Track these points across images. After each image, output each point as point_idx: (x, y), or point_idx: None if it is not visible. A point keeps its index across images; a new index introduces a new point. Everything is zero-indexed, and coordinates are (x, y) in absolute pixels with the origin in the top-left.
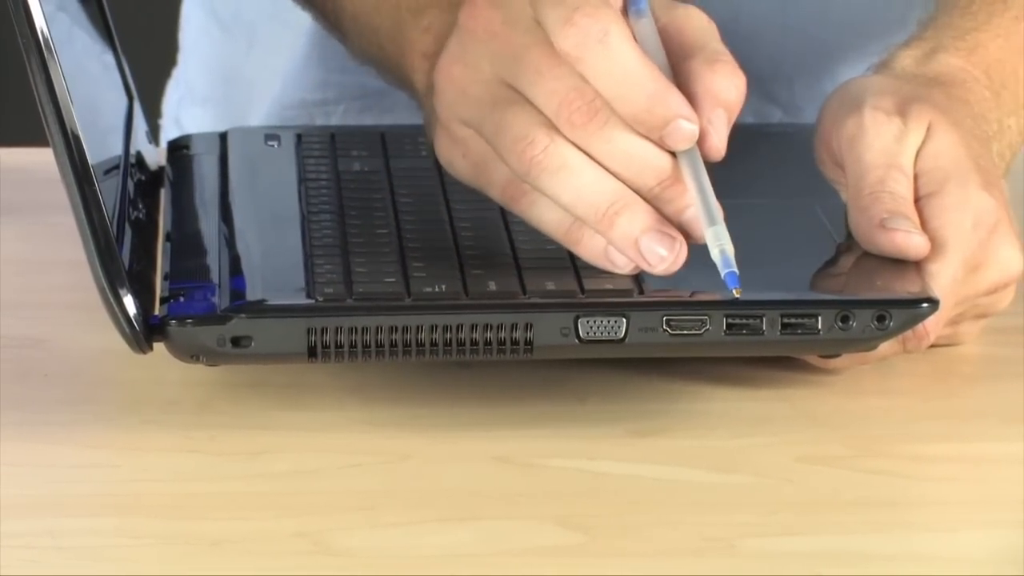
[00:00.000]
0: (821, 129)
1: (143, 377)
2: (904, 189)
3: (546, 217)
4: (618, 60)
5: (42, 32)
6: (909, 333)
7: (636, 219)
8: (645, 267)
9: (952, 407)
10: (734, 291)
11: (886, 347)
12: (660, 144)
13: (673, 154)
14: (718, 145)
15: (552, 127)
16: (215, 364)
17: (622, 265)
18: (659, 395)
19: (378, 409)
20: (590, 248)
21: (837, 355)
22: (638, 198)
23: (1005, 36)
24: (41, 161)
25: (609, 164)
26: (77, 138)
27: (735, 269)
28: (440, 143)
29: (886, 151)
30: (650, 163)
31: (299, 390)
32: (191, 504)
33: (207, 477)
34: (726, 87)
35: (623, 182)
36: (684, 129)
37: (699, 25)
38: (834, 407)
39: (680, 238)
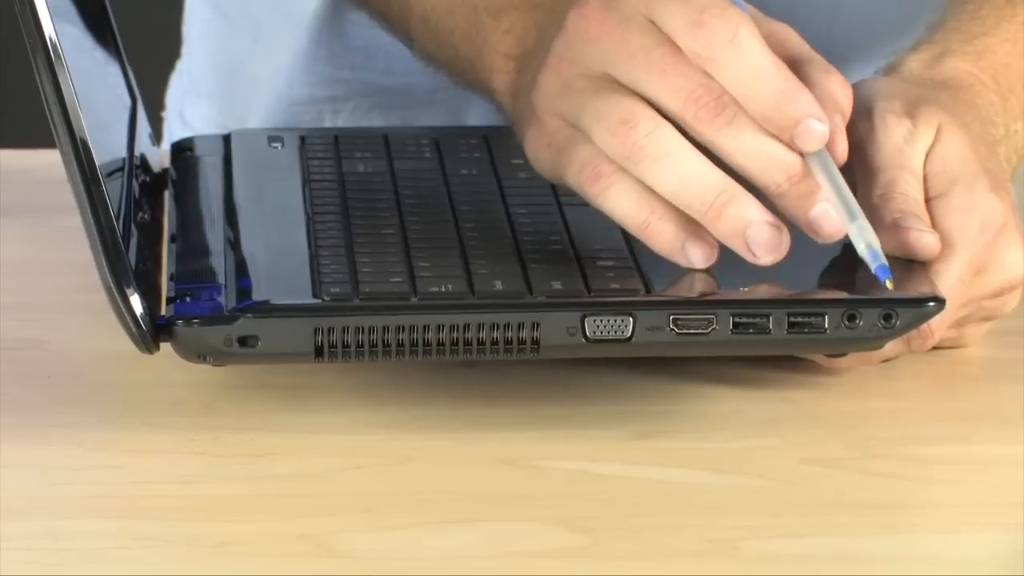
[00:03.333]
0: None
1: (146, 379)
2: (915, 191)
3: (621, 205)
4: (749, 59)
5: (50, 38)
6: (914, 333)
7: (745, 210)
8: (749, 257)
9: (955, 409)
10: (887, 282)
11: (891, 347)
12: (790, 144)
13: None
14: (844, 147)
15: (656, 114)
16: (222, 364)
17: (697, 260)
18: (663, 397)
19: (381, 411)
20: (667, 240)
21: (843, 354)
22: (743, 189)
23: (1013, 41)
24: (42, 163)
25: (737, 159)
26: (84, 140)
27: (885, 262)
28: (530, 137)
29: (896, 153)
30: (779, 160)
31: (302, 392)
32: (194, 506)
33: (210, 479)
34: (843, 94)
35: (750, 178)
36: (815, 129)
37: (799, 39)
38: (837, 409)
39: (785, 228)
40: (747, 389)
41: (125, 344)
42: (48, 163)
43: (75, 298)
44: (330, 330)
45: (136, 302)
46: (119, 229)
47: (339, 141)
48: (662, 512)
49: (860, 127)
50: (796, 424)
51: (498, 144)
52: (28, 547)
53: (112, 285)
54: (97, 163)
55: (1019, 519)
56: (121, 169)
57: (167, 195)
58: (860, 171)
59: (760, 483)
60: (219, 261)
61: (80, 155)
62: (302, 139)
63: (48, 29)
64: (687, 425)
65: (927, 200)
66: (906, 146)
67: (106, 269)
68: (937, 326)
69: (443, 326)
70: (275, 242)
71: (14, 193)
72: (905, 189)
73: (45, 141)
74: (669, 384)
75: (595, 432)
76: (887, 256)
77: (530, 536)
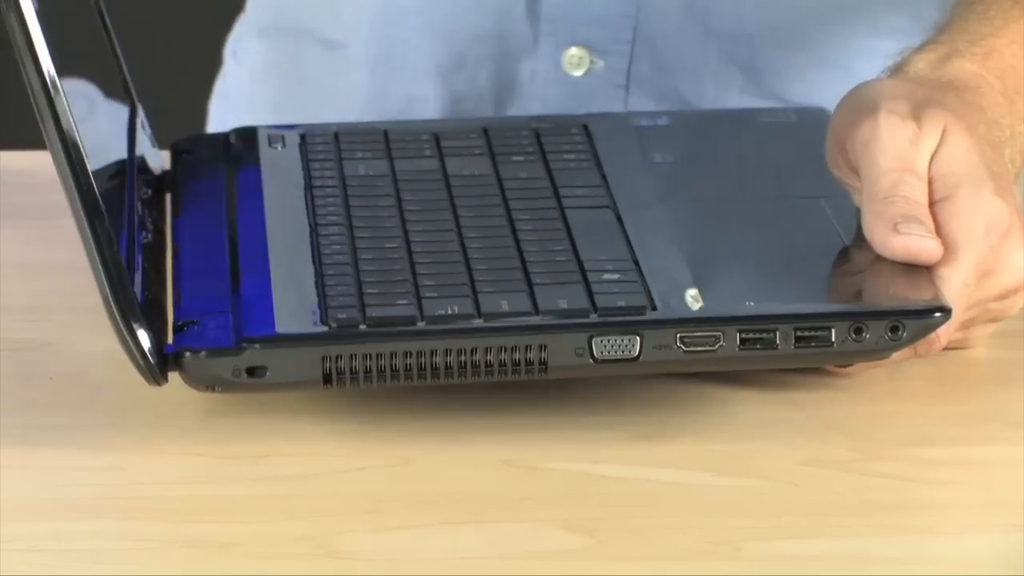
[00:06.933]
0: (834, 132)
1: None
2: (918, 193)
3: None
4: None
5: (49, 74)
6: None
7: None
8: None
9: (958, 411)
10: None
11: (898, 352)
12: None
13: None
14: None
15: None
16: (230, 393)
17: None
18: (665, 399)
19: (383, 412)
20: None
21: (850, 364)
22: None
23: (1021, 43)
24: (43, 164)
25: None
26: (88, 180)
27: None
28: None
29: (901, 155)
30: None
31: (304, 393)
32: (196, 507)
33: (212, 480)
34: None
35: None
36: None
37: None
38: (840, 410)
39: None
40: (749, 391)
41: None
42: (49, 164)
43: (77, 299)
44: (338, 358)
45: (144, 337)
46: (124, 261)
47: (339, 139)
48: (664, 513)
49: (864, 128)
50: (798, 425)
51: (498, 137)
52: (30, 548)
53: (120, 322)
54: (98, 193)
55: (1022, 520)
56: (122, 185)
57: (168, 199)
58: (864, 173)
59: (762, 484)
60: (223, 284)
61: (84, 191)
62: (302, 138)
63: (48, 67)
64: (689, 427)
65: (933, 203)
66: (910, 148)
67: (113, 306)
68: (944, 332)
69: (451, 350)
70: (279, 261)
71: (15, 194)
72: (908, 192)
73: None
74: (671, 386)
75: (597, 434)
76: (892, 262)
77: (532, 537)
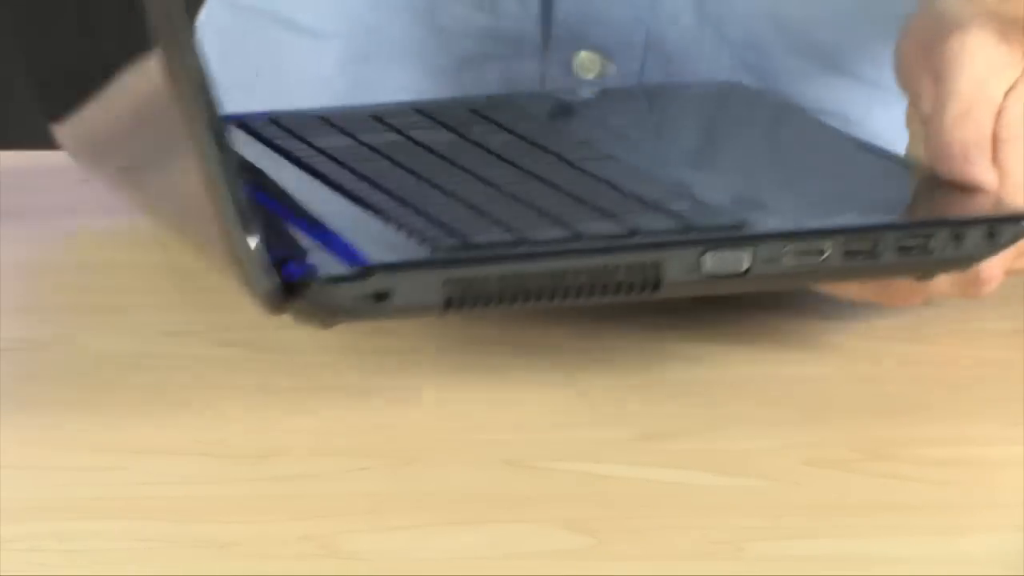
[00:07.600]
0: (915, 35)
1: (151, 380)
2: (988, 120)
3: None
4: None
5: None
6: (972, 278)
7: None
8: None
9: (958, 410)
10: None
11: (945, 287)
12: None
13: None
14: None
15: None
16: (351, 322)
17: None
18: (666, 398)
19: (385, 412)
20: None
21: (932, 276)
22: None
23: None
24: (43, 164)
25: None
26: (212, 99)
27: None
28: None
29: (979, 80)
30: None
31: (307, 393)
32: (199, 507)
33: (215, 480)
34: None
35: None
36: None
37: None
38: (841, 410)
39: None
40: (751, 390)
41: (129, 345)
42: (48, 164)
43: (78, 299)
44: (460, 280)
45: (263, 254)
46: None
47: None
48: (666, 513)
49: (953, 42)
50: (800, 425)
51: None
52: (32, 548)
53: (240, 238)
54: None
55: (1022, 520)
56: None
57: None
58: (942, 86)
59: (764, 484)
60: (330, 219)
61: (209, 109)
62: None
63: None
64: (691, 426)
65: (999, 140)
66: (991, 76)
67: (236, 221)
68: (997, 269)
69: (568, 271)
70: (378, 198)
71: (15, 194)
72: (979, 118)
73: (45, 141)
74: (673, 385)
75: (598, 434)
76: (948, 182)
77: (534, 537)
